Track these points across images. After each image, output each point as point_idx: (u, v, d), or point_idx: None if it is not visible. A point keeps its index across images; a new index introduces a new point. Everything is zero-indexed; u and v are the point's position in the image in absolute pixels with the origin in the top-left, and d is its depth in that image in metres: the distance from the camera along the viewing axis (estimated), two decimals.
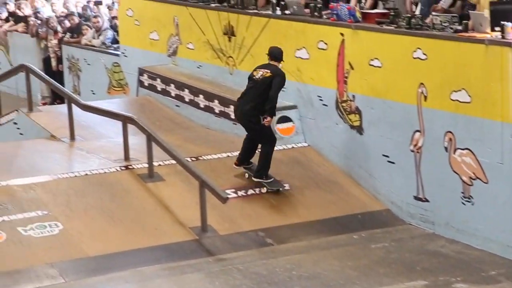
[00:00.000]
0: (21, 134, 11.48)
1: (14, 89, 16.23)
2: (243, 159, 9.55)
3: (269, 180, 9.30)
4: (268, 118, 9.13)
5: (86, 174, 9.32)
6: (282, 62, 9.35)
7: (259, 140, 9.39)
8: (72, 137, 10.68)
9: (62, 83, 14.63)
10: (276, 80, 9.10)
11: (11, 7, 17.77)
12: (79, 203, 8.76)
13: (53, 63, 15.78)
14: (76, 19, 15.78)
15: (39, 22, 16.41)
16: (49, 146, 10.51)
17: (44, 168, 9.58)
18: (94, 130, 11.05)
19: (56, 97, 15.19)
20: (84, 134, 10.86)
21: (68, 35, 15.63)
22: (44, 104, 15.56)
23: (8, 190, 8.83)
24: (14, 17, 17.41)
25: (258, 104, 9.15)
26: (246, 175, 9.50)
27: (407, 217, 9.07)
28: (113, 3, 15.78)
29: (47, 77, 12.03)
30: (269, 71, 9.22)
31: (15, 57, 17.27)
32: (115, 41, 14.64)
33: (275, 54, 9.33)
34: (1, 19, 17.87)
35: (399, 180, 9.10)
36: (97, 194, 8.97)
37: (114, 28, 14.90)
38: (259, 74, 9.26)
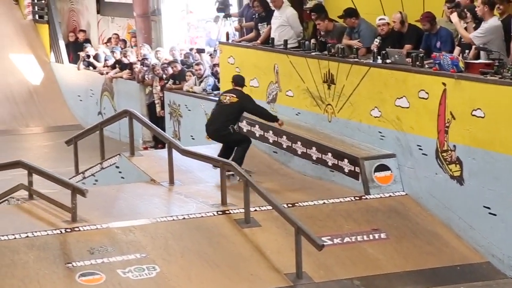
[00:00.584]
0: (122, 177, 11.72)
1: (117, 134, 16.64)
2: None
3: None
4: (280, 121, 10.95)
5: (184, 218, 9.42)
6: (244, 87, 11.10)
7: (236, 144, 10.90)
8: (171, 181, 10.84)
9: (163, 128, 14.92)
10: (248, 105, 10.93)
11: (118, 55, 18.28)
12: (177, 247, 8.85)
13: (157, 108, 16.13)
14: (179, 66, 16.12)
15: (145, 68, 16.84)
16: (149, 189, 10.69)
17: (144, 211, 9.74)
18: (193, 175, 11.20)
19: (158, 142, 15.50)
20: (183, 179, 11.00)
21: (170, 81, 15.97)
22: (145, 148, 15.89)
23: (108, 232, 9.00)
24: (120, 64, 17.91)
25: (226, 121, 10.87)
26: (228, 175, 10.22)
27: (508, 271, 8.81)
28: (215, 51, 16.05)
29: (149, 122, 12.29)
30: (235, 96, 10.95)
31: (119, 102, 17.73)
32: (215, 88, 14.87)
33: (238, 81, 11.19)
34: (107, 66, 18.41)
35: (501, 233, 8.87)
36: (195, 238, 9.05)
37: (215, 75, 15.14)
38: (226, 99, 10.98)
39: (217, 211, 9.61)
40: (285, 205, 9.36)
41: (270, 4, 12.90)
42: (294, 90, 12.12)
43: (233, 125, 11.00)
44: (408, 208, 9.87)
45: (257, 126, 12.28)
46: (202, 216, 9.48)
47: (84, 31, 20.76)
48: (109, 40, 19.80)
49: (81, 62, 19.02)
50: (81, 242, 8.75)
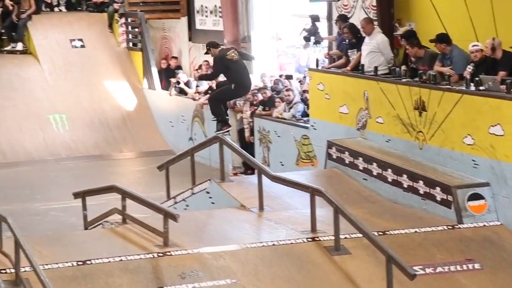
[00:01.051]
0: (212, 203, 11.81)
1: (207, 160, 16.81)
2: None
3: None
4: None
5: (274, 245, 9.42)
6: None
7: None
8: (261, 207, 10.87)
9: (252, 154, 15.01)
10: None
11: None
12: (267, 273, 8.86)
13: (246, 134, 16.25)
14: (269, 93, 16.22)
15: None
16: (238, 215, 10.75)
17: (234, 237, 9.79)
18: (282, 201, 11.20)
19: (247, 168, 15.58)
20: (273, 205, 11.02)
21: (260, 107, 16.08)
22: (235, 174, 16.00)
23: (199, 257, 9.08)
24: (211, 91, 18.09)
25: None
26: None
27: None
28: (304, 77, 16.10)
29: (239, 148, 12.38)
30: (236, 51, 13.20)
31: (209, 128, 17.91)
32: (305, 114, 14.89)
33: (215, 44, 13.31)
34: (198, 92, 18.65)
35: None
36: (284, 264, 9.04)
37: (304, 101, 15.17)
38: (234, 57, 12.94)
39: (307, 238, 9.58)
40: (375, 233, 9.28)
41: (361, 31, 12.88)
42: (385, 116, 12.04)
43: None
44: (504, 238, 9.65)
45: (346, 153, 12.24)
46: (291, 243, 9.46)
47: (176, 57, 21.12)
48: (200, 66, 20.07)
49: (173, 88, 19.33)
50: (172, 266, 8.85)
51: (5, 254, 8.63)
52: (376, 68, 12.28)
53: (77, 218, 12.26)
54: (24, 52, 21.12)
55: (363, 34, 12.81)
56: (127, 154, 19.50)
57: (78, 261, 8.67)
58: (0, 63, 20.43)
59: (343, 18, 13.95)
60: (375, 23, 12.97)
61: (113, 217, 10.53)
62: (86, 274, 8.54)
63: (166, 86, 20.24)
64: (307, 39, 15.35)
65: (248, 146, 15.81)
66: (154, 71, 20.46)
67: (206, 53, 13.46)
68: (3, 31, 21.53)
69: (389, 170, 11.31)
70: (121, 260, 8.84)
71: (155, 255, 9.01)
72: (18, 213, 13.71)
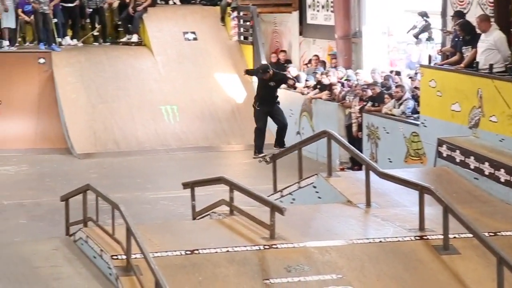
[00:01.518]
0: (319, 197, 11.80)
1: (314, 154, 16.81)
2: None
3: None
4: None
5: (381, 241, 9.34)
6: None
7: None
8: (368, 203, 10.79)
9: (360, 150, 14.92)
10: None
11: (319, 75, 18.49)
12: (373, 270, 8.80)
13: (354, 129, 16.17)
14: (378, 89, 16.09)
15: (346, 89, 16.94)
16: (345, 211, 10.70)
17: (340, 232, 9.76)
18: (390, 198, 11.09)
19: (355, 163, 15.50)
20: (380, 201, 10.92)
21: (369, 103, 15.96)
22: (342, 169, 15.94)
23: (305, 251, 9.08)
24: (320, 85, 18.11)
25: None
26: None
27: None
28: (415, 74, 15.89)
29: (347, 143, 12.32)
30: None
31: (317, 123, 17.91)
32: (415, 111, 14.70)
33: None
34: (307, 87, 18.66)
35: None
36: (391, 262, 8.96)
37: (415, 98, 14.98)
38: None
39: (415, 236, 9.45)
40: (486, 234, 9.07)
41: (476, 28, 12.62)
42: (499, 115, 11.76)
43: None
44: None
45: (457, 151, 12.03)
46: (399, 240, 9.35)
47: (285, 51, 21.18)
48: (309, 61, 20.08)
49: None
50: (278, 259, 8.89)
51: (117, 240, 8.85)
52: (491, 65, 12.00)
53: (186, 208, 12.47)
54: (139, 44, 21.58)
55: (479, 31, 12.54)
56: (235, 146, 19.68)
57: (186, 251, 8.81)
58: (116, 54, 20.91)
59: (459, 15, 13.70)
60: (492, 19, 12.67)
61: (220, 208, 10.66)
62: (194, 263, 8.67)
63: None
64: (416, 37, 15.17)
65: (355, 142, 15.73)
66: None
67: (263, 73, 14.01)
68: (119, 23, 22.07)
69: (502, 170, 11.04)
70: (227, 251, 8.93)
71: (261, 247, 9.06)
72: (129, 201, 14.03)
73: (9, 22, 20.36)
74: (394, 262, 8.96)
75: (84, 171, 17.16)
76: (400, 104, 15.12)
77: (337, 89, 17.29)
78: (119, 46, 21.68)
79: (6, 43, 20.25)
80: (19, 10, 20.73)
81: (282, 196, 12.33)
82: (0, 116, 19.39)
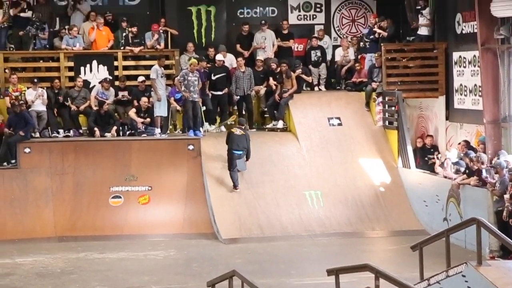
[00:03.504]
0: (468, 287, 11.43)
1: (462, 241, 16.35)
2: None
3: None
4: None
5: None
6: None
7: None
8: None
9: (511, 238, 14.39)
10: None
11: (468, 161, 18.04)
12: None
13: (504, 215, 15.64)
14: None
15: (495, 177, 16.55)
16: None
17: None
18: None
19: (506, 252, 14.95)
20: None
21: None
22: (492, 258, 15.40)
23: None
24: (468, 171, 17.70)
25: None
26: None
27: None
28: None
29: (498, 231, 11.93)
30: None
31: (465, 209, 17.47)
32: None
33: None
34: (458, 172, 18.26)
35: None
36: None
37: None
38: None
39: None
40: None
41: None
42: None
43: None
44: None
45: None
46: None
47: (431, 136, 20.93)
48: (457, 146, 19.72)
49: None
50: None
51: None
52: None
53: None
54: (284, 129, 21.88)
55: None
56: (380, 232, 19.41)
57: None
58: (262, 140, 21.25)
59: None
60: None
61: None
62: None
63: (421, 164, 20.05)
64: None
65: (507, 229, 15.19)
66: (410, 149, 20.36)
67: None
68: (265, 109, 22.49)
69: None
70: None
71: None
72: (274, 287, 14.01)
73: (162, 110, 21.15)
74: None
75: (230, 256, 17.32)
76: None
77: (486, 178, 16.85)
78: (265, 132, 22.05)
79: (158, 130, 21.00)
80: (171, 99, 21.52)
81: (429, 285, 12.04)
82: (151, 201, 19.96)
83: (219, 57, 22.21)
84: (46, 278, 15.81)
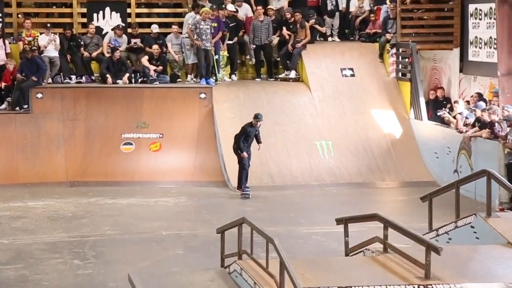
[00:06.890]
0: (477, 238, 11.47)
1: (472, 193, 16.39)
2: None
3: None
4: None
5: None
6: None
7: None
8: None
9: None
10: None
11: (478, 113, 18.03)
12: None
13: None
14: None
15: (508, 129, 16.46)
16: (505, 253, 10.32)
17: (499, 274, 9.41)
18: None
19: None
20: None
21: None
22: (502, 209, 15.43)
23: None
24: (480, 123, 17.66)
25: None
26: None
27: None
28: None
29: (508, 183, 11.93)
30: None
31: (476, 161, 17.47)
32: None
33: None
34: (466, 125, 18.25)
35: None
36: None
37: None
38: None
39: None
40: None
41: None
42: None
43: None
44: None
45: None
46: None
47: (443, 88, 20.84)
48: (468, 102, 19.63)
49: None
50: None
51: (271, 274, 8.90)
52: None
53: (338, 243, 12.42)
54: (297, 80, 21.82)
55: None
56: (390, 183, 19.46)
57: (339, 286, 8.75)
58: (274, 90, 21.22)
59: None
60: None
61: (374, 245, 10.53)
62: None
63: (433, 117, 20.01)
64: None
65: None
66: (422, 101, 20.31)
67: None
68: (278, 59, 22.41)
69: None
70: None
71: (416, 286, 8.88)
72: (283, 235, 14.12)
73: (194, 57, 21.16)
74: None
75: (239, 204, 17.43)
76: None
77: (496, 128, 16.80)
78: (277, 81, 21.99)
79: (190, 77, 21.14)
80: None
81: (437, 235, 12.07)
82: (162, 149, 20.03)
83: (230, 7, 22.08)
84: (58, 222, 15.97)
